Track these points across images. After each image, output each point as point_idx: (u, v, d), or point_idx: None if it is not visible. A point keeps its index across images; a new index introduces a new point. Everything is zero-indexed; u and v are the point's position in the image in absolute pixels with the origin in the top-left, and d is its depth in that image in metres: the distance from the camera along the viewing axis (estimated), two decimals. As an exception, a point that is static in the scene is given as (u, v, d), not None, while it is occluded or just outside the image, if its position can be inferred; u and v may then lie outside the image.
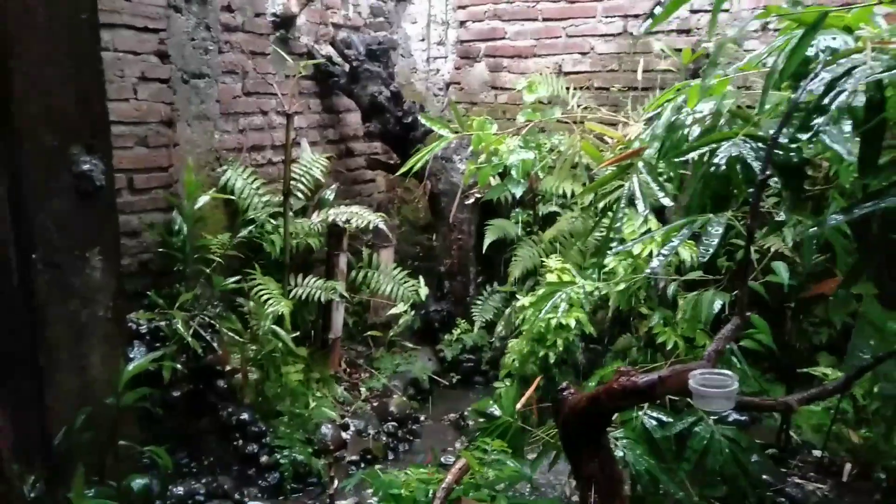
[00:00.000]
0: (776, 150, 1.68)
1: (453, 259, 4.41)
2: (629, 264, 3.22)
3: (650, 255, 3.13)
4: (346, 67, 4.11)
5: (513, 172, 3.60)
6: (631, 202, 2.01)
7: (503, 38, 4.48)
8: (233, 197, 3.46)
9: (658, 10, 1.63)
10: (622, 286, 3.03)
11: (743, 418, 3.35)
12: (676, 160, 1.82)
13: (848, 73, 1.61)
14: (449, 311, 4.40)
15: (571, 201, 3.97)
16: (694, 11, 3.81)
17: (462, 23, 4.61)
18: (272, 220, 3.54)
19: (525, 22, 4.37)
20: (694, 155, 1.80)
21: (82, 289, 2.17)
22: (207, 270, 3.25)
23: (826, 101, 1.60)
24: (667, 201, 2.00)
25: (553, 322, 3.11)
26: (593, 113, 3.92)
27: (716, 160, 1.68)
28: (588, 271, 3.37)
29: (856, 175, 1.63)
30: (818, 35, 1.80)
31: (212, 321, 3.14)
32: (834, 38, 1.85)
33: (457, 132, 3.68)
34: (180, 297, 3.08)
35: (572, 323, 3.09)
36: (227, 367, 3.13)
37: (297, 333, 3.38)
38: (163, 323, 2.96)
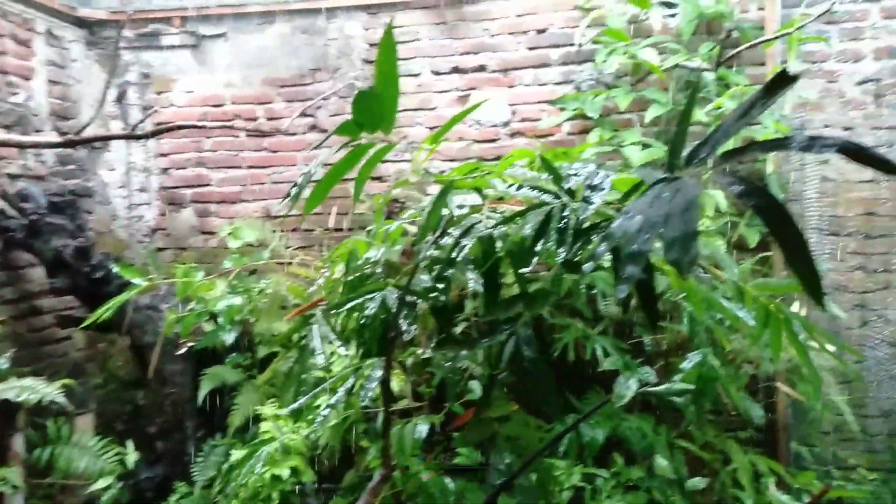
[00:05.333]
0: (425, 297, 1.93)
1: (167, 416, 4.05)
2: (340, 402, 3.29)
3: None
4: (25, 221, 3.73)
5: (220, 319, 3.55)
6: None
7: (209, 185, 4.49)
8: None
9: (295, 190, 1.83)
10: (333, 424, 3.07)
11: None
12: (335, 311, 1.97)
13: (468, 230, 1.94)
14: (165, 475, 3.98)
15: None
16: (384, 161, 4.26)
17: (165, 170, 4.53)
18: (-84, 407, 2.94)
19: (230, 169, 4.45)
20: (351, 305, 1.98)
21: None
22: None
23: (454, 255, 1.91)
24: (343, 350, 2.14)
25: (267, 476, 2.99)
26: (303, 254, 4.06)
27: (366, 312, 1.87)
28: (303, 414, 3.35)
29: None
30: (456, 194, 2.18)
31: None
32: (465, 198, 2.24)
33: (155, 280, 3.53)
34: None
35: (285, 473, 3.01)
36: None
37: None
38: None
